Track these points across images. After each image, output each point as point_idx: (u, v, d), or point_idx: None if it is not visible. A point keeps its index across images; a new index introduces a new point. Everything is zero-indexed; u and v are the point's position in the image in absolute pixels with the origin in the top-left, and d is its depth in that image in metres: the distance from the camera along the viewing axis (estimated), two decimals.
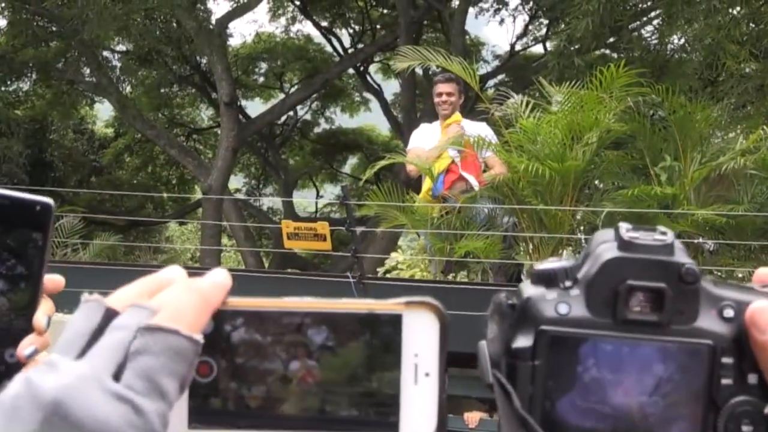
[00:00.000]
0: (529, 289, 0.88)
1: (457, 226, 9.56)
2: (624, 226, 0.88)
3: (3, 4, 23.19)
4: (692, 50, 15.87)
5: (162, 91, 28.47)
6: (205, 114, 32.11)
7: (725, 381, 0.85)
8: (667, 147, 9.86)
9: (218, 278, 0.85)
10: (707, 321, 0.86)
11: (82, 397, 0.73)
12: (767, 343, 0.84)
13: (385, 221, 10.45)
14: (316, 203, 32.60)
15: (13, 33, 23.74)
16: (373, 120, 32.14)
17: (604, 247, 0.87)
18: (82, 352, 0.78)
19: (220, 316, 0.84)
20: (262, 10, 28.12)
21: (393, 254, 11.24)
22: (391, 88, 29.12)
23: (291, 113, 29.27)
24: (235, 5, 24.50)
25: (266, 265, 25.19)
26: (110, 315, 0.81)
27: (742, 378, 0.86)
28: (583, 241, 10.18)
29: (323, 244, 9.97)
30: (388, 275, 10.68)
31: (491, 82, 25.40)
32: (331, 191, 34.09)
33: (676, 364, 0.86)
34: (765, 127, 10.08)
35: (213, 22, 23.82)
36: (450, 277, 9.76)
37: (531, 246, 9.59)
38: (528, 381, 0.85)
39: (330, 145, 31.51)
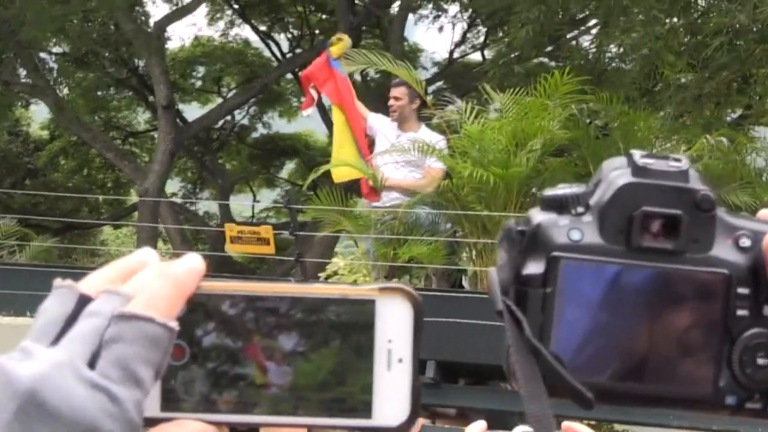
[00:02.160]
0: (539, 215, 0.86)
1: (401, 231, 9.56)
2: (637, 153, 0.87)
3: None
4: (630, 60, 15.97)
5: (99, 93, 28.24)
6: (141, 117, 31.91)
7: (741, 312, 0.85)
8: (609, 154, 9.87)
9: (192, 263, 0.84)
10: (723, 250, 0.86)
11: (57, 385, 0.73)
12: None
13: (326, 226, 10.42)
14: (253, 208, 32.51)
15: None
16: (310, 126, 32.05)
17: (617, 173, 0.87)
18: (56, 339, 0.77)
19: (193, 300, 0.83)
20: (200, 14, 28.00)
21: (335, 259, 11.22)
22: None
23: (228, 117, 29.18)
24: (173, 8, 24.37)
25: None
26: (84, 301, 0.80)
27: (757, 309, 0.85)
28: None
29: (266, 248, 9.94)
30: (329, 280, 10.66)
31: (430, 89, 25.45)
32: (268, 196, 34.02)
33: (691, 293, 0.85)
34: (707, 136, 10.18)
35: (151, 24, 23.70)
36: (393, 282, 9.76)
37: (474, 252, 9.61)
38: (539, 309, 0.84)
39: (267, 150, 31.40)
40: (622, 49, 16.17)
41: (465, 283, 10.18)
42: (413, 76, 10.06)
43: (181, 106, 28.45)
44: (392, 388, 0.83)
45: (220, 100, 28.80)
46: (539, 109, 9.53)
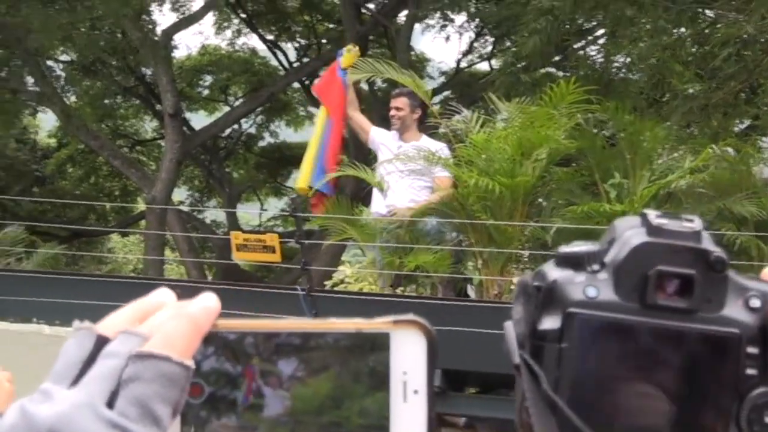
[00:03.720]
0: (554, 271, 0.88)
1: (407, 240, 9.56)
2: (651, 213, 0.88)
3: None
4: (637, 70, 15.98)
5: (106, 101, 28.25)
6: (149, 126, 31.96)
7: (750, 371, 0.86)
8: (616, 164, 9.91)
9: (208, 303, 0.85)
10: (734, 310, 0.87)
11: (77, 425, 0.74)
12: None
13: (333, 234, 10.41)
14: (260, 216, 32.51)
15: None
16: None
17: (632, 232, 0.88)
18: (76, 380, 0.79)
19: (210, 338, 0.84)
20: (207, 23, 28.04)
21: (341, 267, 11.21)
22: None
23: (235, 126, 29.24)
24: (181, 17, 24.38)
25: (209, 277, 25.07)
26: (102, 342, 0.81)
27: (766, 368, 0.86)
28: (525, 256, 10.22)
29: (273, 256, 9.93)
30: (335, 289, 10.65)
31: (437, 98, 25.44)
32: (275, 205, 33.98)
33: (703, 351, 0.86)
34: (713, 146, 10.16)
35: (158, 33, 23.71)
36: (399, 291, 9.75)
37: (480, 261, 9.60)
38: (554, 364, 0.86)
39: (274, 159, 31.39)
40: (629, 59, 16.19)
41: (471, 292, 10.16)
42: (419, 84, 10.08)
43: (188, 115, 28.52)
44: (408, 419, 0.85)
45: (227, 109, 28.83)
46: (545, 118, 9.51)
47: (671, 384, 0.86)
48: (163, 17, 59.06)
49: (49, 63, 25.84)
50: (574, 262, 0.88)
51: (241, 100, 29.11)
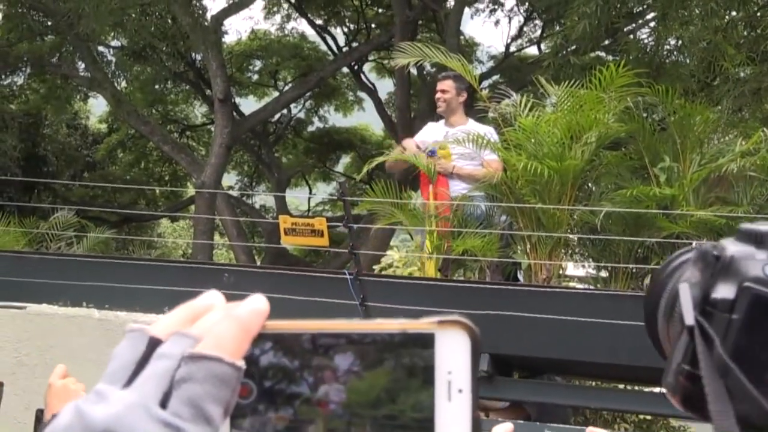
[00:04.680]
0: (734, 245, 0.89)
1: (455, 224, 9.56)
2: None
3: None
4: (688, 53, 15.89)
5: (156, 87, 28.57)
6: (198, 111, 32.22)
7: None
8: (665, 148, 9.86)
9: (257, 305, 0.87)
10: None
11: (131, 425, 0.76)
12: None
13: (381, 219, 10.44)
14: (309, 201, 32.66)
15: (8, 27, 23.83)
16: (366, 119, 32.20)
17: None
18: (129, 381, 0.80)
19: (258, 339, 0.86)
20: (257, 8, 28.16)
21: (389, 252, 11.23)
22: (386, 87, 29.19)
23: (285, 111, 29.38)
24: (231, 2, 24.48)
25: (258, 262, 25.22)
26: (154, 344, 0.83)
27: None
28: (574, 240, 10.20)
29: (321, 240, 9.95)
30: (383, 273, 10.68)
31: (486, 83, 25.43)
32: (324, 190, 34.20)
33: None
34: (765, 129, 10.08)
35: (208, 18, 23.83)
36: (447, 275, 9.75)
37: (528, 245, 9.58)
38: (722, 332, 0.86)
39: (323, 143, 31.56)
40: (680, 42, 16.09)
41: (520, 276, 10.17)
42: (467, 68, 10.06)
43: (237, 100, 28.71)
44: (453, 418, 0.85)
45: (276, 94, 28.99)
46: (594, 101, 9.49)
47: None
48: (213, 2, 59.40)
49: (100, 48, 26.12)
50: (757, 239, 0.88)
51: (290, 85, 29.26)
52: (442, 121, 10.21)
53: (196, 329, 0.84)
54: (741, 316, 0.85)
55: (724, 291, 0.86)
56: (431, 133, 10.23)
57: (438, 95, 10.18)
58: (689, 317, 0.86)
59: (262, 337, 0.86)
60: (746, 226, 0.89)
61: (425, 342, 0.86)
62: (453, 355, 0.85)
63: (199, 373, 0.79)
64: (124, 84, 27.28)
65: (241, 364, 0.82)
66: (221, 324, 0.84)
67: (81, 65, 25.00)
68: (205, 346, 0.81)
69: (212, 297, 0.89)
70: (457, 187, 9.77)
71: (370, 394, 0.85)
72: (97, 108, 31.65)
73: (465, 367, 0.86)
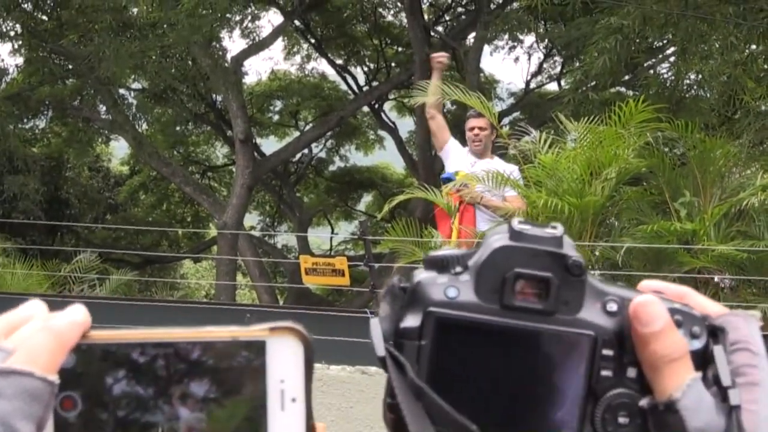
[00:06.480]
0: (420, 273, 0.90)
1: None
2: (516, 220, 0.90)
3: (20, 42, 23.38)
4: (708, 87, 15.91)
5: (177, 128, 28.71)
6: (220, 152, 32.36)
7: (605, 372, 0.88)
8: (686, 183, 9.86)
9: (74, 316, 0.83)
10: (591, 313, 0.89)
11: None
12: (647, 336, 0.86)
13: (402, 257, 10.43)
14: (331, 240, 32.70)
15: (29, 71, 24.05)
16: (387, 158, 32.30)
17: (496, 237, 0.90)
18: None
19: (82, 350, 0.83)
20: (277, 48, 28.38)
21: None
22: (406, 125, 29.28)
23: (306, 151, 29.47)
24: (250, 43, 24.62)
25: (281, 302, 25.24)
26: None
27: (621, 371, 0.89)
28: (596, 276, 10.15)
29: (341, 279, 9.97)
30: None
31: (506, 120, 25.48)
32: (345, 229, 34.26)
33: (558, 352, 0.88)
34: None
35: (228, 59, 23.98)
36: None
37: None
38: (414, 360, 0.87)
39: (344, 182, 31.66)
40: (700, 77, 16.10)
41: None
42: (486, 106, 10.04)
43: (258, 140, 28.83)
44: (286, 428, 0.84)
45: (297, 134, 29.10)
46: (614, 137, 9.49)
47: (527, 384, 0.88)
48: (232, 44, 59.81)
49: (121, 91, 26.26)
50: (440, 265, 0.90)
51: (311, 125, 29.37)
52: (467, 148, 10.12)
53: (10, 342, 0.80)
54: (428, 341, 0.87)
55: (411, 320, 0.89)
56: (459, 152, 10.12)
57: (476, 132, 9.95)
58: (379, 349, 0.87)
59: (90, 348, 0.83)
60: (431, 253, 0.91)
61: (257, 349, 0.84)
62: (285, 363, 0.84)
63: (8, 389, 0.76)
64: (145, 126, 27.39)
65: (54, 378, 0.78)
66: (35, 336, 0.80)
67: (102, 108, 25.19)
68: (16, 360, 0.78)
69: (32, 307, 0.85)
70: (483, 226, 9.75)
71: (202, 403, 0.83)
72: (118, 150, 31.86)
73: (298, 375, 0.85)
